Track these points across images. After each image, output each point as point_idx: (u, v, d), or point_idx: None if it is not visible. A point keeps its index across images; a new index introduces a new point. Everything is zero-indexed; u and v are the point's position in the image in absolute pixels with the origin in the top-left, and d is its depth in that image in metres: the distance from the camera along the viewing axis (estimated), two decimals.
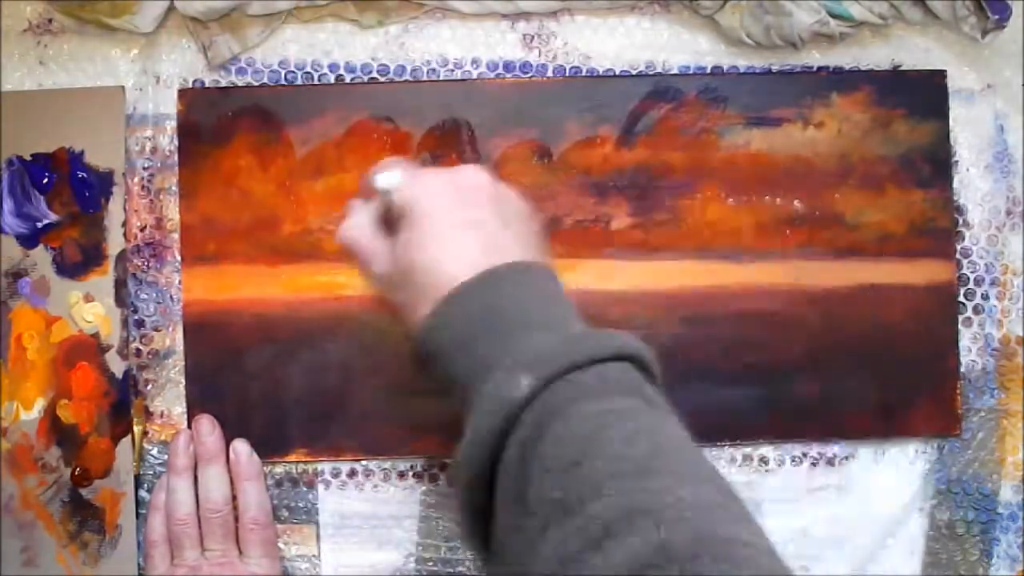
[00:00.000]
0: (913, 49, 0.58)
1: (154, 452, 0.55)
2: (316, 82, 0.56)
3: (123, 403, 0.54)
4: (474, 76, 0.57)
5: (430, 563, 0.56)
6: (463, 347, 0.37)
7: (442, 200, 0.41)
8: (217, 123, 0.55)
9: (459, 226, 0.40)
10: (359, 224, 0.43)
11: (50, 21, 0.55)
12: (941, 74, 0.58)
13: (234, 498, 0.53)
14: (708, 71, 0.57)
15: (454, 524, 0.56)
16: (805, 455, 0.57)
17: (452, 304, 0.38)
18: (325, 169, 0.55)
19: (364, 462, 0.56)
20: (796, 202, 0.56)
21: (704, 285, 0.56)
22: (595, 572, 0.30)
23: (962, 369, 0.57)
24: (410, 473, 0.56)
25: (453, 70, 0.57)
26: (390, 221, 0.42)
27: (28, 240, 0.54)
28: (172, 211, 0.55)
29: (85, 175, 0.55)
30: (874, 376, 0.57)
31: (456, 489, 0.37)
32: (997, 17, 0.55)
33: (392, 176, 0.42)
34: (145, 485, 0.55)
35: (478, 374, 0.36)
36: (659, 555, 0.29)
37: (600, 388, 0.35)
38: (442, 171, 0.43)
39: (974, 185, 0.58)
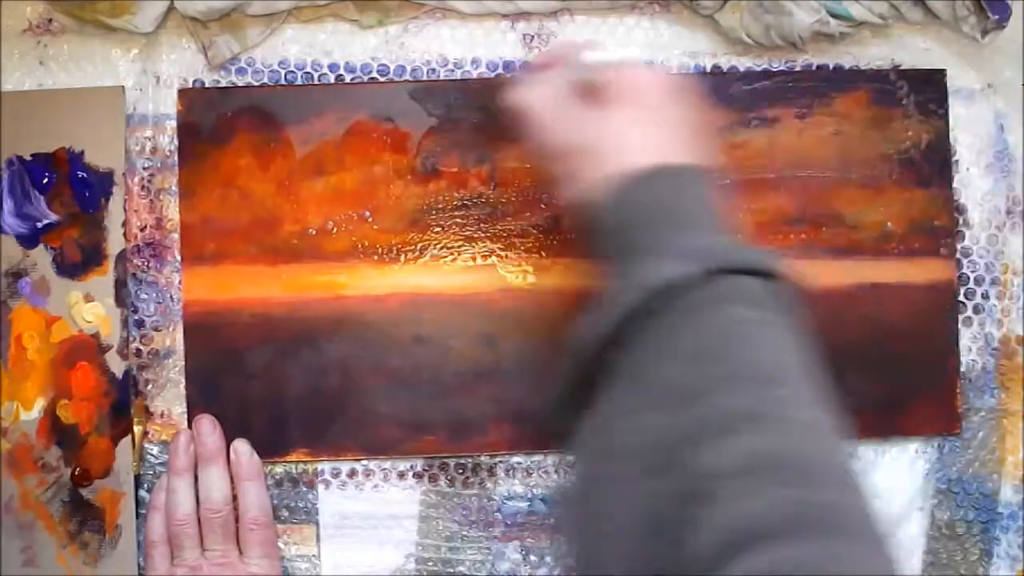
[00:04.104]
0: (913, 49, 0.58)
1: (154, 452, 0.55)
2: (316, 82, 0.56)
3: (123, 403, 0.54)
4: (474, 76, 0.57)
5: (430, 563, 0.56)
6: (630, 226, 0.40)
7: (646, 94, 0.44)
8: (217, 123, 0.55)
9: (651, 121, 0.43)
10: (547, 92, 0.46)
11: (50, 21, 0.55)
12: (941, 74, 0.58)
13: (234, 498, 0.53)
14: (708, 71, 0.57)
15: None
16: None
17: (631, 187, 0.40)
18: (325, 169, 0.55)
19: (364, 462, 0.56)
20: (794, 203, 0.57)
21: None
22: (706, 461, 0.32)
23: (962, 369, 0.57)
24: (410, 473, 0.56)
25: (453, 70, 0.57)
26: (581, 95, 0.45)
27: (28, 240, 0.54)
28: (172, 211, 0.55)
29: (85, 175, 0.55)
30: (874, 376, 0.57)
31: (570, 358, 0.39)
32: (997, 17, 0.55)
33: (606, 57, 0.46)
34: (145, 485, 0.55)
35: (634, 253, 0.39)
36: (769, 461, 0.31)
37: (754, 297, 0.37)
38: (651, 70, 0.47)
39: (974, 184, 0.58)
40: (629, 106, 0.43)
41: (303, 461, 0.56)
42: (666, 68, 0.56)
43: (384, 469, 0.56)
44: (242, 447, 0.54)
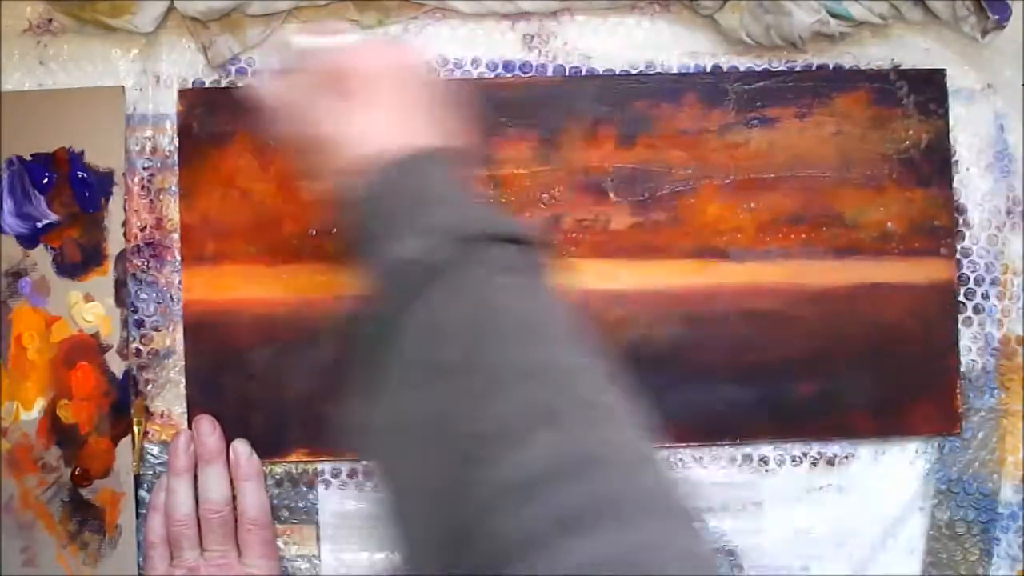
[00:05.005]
0: (913, 49, 0.58)
1: (154, 452, 0.55)
2: None
3: (123, 403, 0.54)
4: (474, 76, 0.57)
5: None
6: (374, 217, 0.39)
7: (375, 78, 0.43)
8: (217, 123, 0.55)
9: (385, 106, 0.42)
10: (290, 85, 0.44)
11: (50, 21, 0.55)
12: (941, 74, 0.58)
13: (234, 498, 0.53)
14: (708, 71, 0.57)
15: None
16: (805, 455, 0.57)
17: (368, 182, 0.40)
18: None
19: (364, 462, 0.56)
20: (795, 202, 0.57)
21: (704, 285, 0.56)
22: (479, 424, 0.33)
23: (962, 369, 0.57)
24: None
25: (453, 70, 0.57)
26: (320, 85, 0.43)
27: (28, 240, 0.54)
28: (172, 211, 0.55)
29: (85, 175, 0.55)
30: (874, 376, 0.57)
31: (348, 356, 0.41)
32: (997, 17, 0.55)
33: (315, 43, 0.45)
34: (145, 485, 0.55)
35: (380, 240, 0.38)
36: (542, 412, 0.32)
37: (506, 263, 0.37)
38: (375, 46, 0.45)
39: (974, 185, 0.58)
40: (368, 92, 0.42)
41: (303, 461, 0.56)
42: (405, 46, 0.54)
43: None
44: (241, 447, 0.54)
